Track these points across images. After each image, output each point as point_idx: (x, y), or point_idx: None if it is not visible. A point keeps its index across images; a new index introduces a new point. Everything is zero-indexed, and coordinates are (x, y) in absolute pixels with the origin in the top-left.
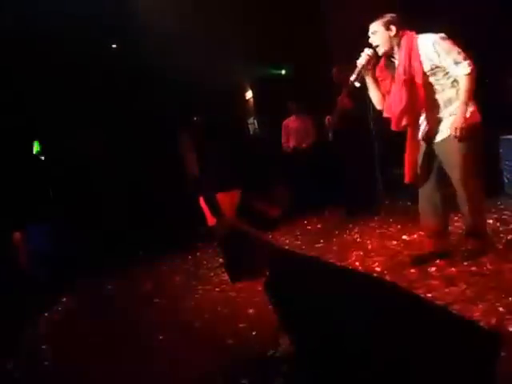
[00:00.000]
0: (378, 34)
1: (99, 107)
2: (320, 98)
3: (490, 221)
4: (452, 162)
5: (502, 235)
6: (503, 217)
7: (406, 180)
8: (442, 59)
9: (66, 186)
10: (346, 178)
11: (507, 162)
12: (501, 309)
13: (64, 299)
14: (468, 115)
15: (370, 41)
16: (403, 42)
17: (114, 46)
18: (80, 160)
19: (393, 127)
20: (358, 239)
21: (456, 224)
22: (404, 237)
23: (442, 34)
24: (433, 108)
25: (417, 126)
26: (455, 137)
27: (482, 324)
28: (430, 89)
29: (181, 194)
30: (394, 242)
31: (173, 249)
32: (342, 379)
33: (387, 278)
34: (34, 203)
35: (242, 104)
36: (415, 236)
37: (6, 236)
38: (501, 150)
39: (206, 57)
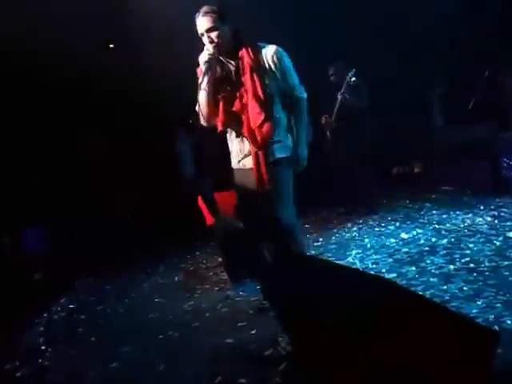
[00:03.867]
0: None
1: (96, 108)
2: (317, 97)
3: (489, 218)
4: None
5: (500, 232)
6: (501, 214)
7: None
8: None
9: (66, 186)
10: (345, 176)
11: (505, 160)
12: (498, 306)
13: (63, 299)
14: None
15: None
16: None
17: (111, 45)
18: (79, 160)
19: None
20: (357, 238)
21: (454, 221)
22: (402, 235)
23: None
24: None
25: None
26: None
27: (479, 321)
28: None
29: (179, 193)
30: (393, 240)
31: (172, 248)
32: (340, 378)
33: (385, 275)
34: (33, 203)
35: None
36: (414, 234)
37: (5, 236)
38: (499, 148)
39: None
